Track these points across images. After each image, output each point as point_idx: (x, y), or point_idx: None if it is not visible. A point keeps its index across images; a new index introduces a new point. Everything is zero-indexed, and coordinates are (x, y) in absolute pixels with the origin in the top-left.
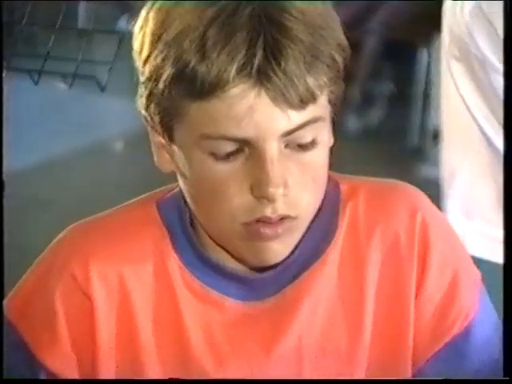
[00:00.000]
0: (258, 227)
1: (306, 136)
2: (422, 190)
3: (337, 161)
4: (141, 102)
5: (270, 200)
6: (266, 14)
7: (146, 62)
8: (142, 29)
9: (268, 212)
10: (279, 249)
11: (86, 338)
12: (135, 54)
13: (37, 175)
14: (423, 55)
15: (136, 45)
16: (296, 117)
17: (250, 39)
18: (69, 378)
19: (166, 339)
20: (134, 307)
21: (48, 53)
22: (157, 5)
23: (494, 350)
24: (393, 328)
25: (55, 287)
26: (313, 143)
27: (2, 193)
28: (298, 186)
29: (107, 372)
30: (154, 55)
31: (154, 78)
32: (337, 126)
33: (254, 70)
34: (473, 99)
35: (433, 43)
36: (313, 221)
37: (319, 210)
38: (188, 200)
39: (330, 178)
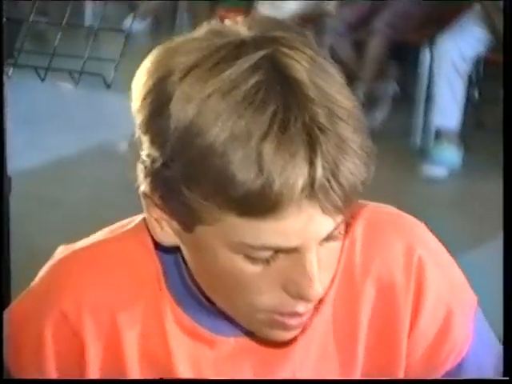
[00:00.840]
0: (284, 319)
1: (336, 232)
2: (424, 189)
3: None
4: (150, 185)
5: (310, 301)
6: (317, 122)
7: (173, 159)
8: (163, 106)
9: (301, 309)
10: (296, 331)
11: (74, 374)
12: (154, 132)
13: (43, 173)
14: (426, 55)
15: (153, 124)
16: (338, 219)
17: (310, 157)
18: None
19: (154, 375)
20: (123, 344)
21: (55, 50)
22: (182, 87)
23: (488, 371)
24: (384, 365)
25: (45, 323)
26: (337, 234)
27: (9, 190)
28: (325, 275)
29: None
30: (186, 156)
31: (186, 181)
32: None
33: (314, 189)
34: None
35: (436, 44)
36: None
37: None
38: (196, 275)
39: None
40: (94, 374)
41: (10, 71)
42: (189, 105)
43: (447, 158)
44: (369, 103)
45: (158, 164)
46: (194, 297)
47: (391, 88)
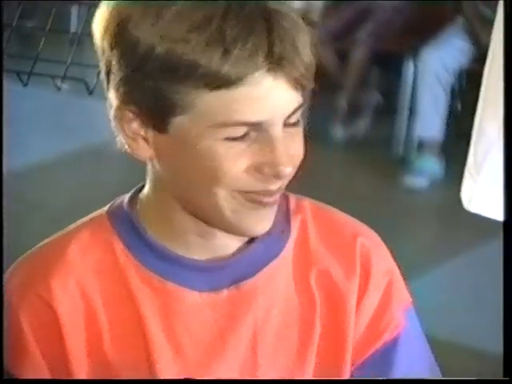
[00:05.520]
0: (259, 197)
1: (295, 117)
2: (405, 200)
3: (323, 169)
4: (124, 95)
5: (280, 177)
6: (269, 9)
7: (147, 57)
8: (138, 23)
9: (273, 187)
10: (270, 215)
11: (55, 347)
12: (123, 47)
13: (26, 178)
14: (409, 66)
15: (126, 38)
16: (299, 98)
17: (268, 30)
18: None
19: (128, 337)
20: (96, 312)
21: (38, 55)
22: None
23: (418, 367)
24: (336, 331)
25: (20, 307)
26: (297, 122)
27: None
28: (293, 156)
29: (81, 377)
30: (159, 50)
31: (162, 73)
32: (323, 135)
33: (274, 58)
34: None
35: (419, 55)
36: None
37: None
38: (169, 183)
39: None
40: (73, 344)
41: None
42: (151, 10)
43: (429, 168)
44: (351, 112)
45: (129, 70)
46: (158, 251)
47: (374, 98)
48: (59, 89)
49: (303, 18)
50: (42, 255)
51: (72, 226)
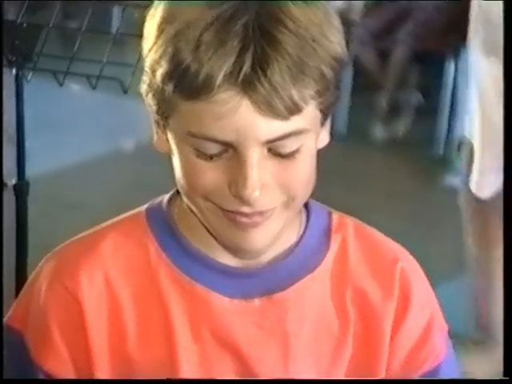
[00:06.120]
0: (235, 217)
1: (290, 146)
2: (446, 199)
3: (363, 169)
4: (143, 88)
5: (245, 202)
6: (260, 25)
7: (148, 53)
8: (150, 19)
9: (244, 209)
10: (258, 236)
11: (79, 339)
12: (143, 43)
13: (62, 177)
14: (450, 66)
15: (145, 33)
16: (279, 127)
17: (240, 48)
18: (66, 377)
19: (153, 336)
20: (122, 308)
21: (74, 55)
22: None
23: None
24: (369, 351)
25: (46, 297)
26: (297, 151)
27: (26, 193)
28: (279, 185)
29: (103, 371)
30: (154, 48)
31: (152, 70)
32: (363, 134)
33: (240, 79)
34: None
35: (460, 54)
36: (304, 236)
37: (312, 228)
38: (177, 183)
39: (323, 206)
40: (97, 337)
41: (29, 75)
42: (167, 5)
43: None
44: (392, 112)
45: (144, 60)
46: (189, 252)
47: (414, 97)
48: (94, 88)
49: (342, 18)
50: (74, 248)
51: (109, 222)
